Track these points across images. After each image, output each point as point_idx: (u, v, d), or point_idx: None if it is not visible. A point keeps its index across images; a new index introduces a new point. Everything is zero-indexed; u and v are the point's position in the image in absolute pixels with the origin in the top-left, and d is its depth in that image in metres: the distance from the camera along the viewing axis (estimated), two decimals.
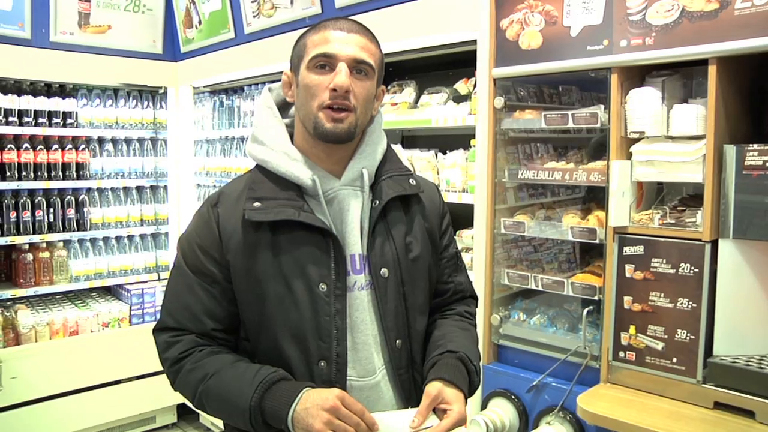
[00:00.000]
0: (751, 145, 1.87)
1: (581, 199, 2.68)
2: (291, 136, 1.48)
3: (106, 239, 4.59)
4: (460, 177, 2.87)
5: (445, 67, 3.29)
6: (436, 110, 2.95)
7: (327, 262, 1.37)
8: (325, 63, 1.36)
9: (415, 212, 1.51)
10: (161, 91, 4.75)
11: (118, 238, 4.64)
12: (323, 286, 1.36)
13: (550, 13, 2.31)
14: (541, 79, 2.57)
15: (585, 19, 2.22)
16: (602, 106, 2.23)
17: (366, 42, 1.41)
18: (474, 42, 2.57)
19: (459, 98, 3.03)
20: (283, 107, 1.53)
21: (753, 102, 2.08)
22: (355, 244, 1.40)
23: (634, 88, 2.15)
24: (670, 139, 2.07)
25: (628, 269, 2.10)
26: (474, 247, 2.59)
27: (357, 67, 1.38)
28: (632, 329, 2.10)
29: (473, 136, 2.67)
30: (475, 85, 2.91)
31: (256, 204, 1.37)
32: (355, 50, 1.38)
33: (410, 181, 1.51)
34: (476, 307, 1.70)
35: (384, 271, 1.41)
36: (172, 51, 4.69)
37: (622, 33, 2.11)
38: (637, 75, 2.19)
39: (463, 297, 1.66)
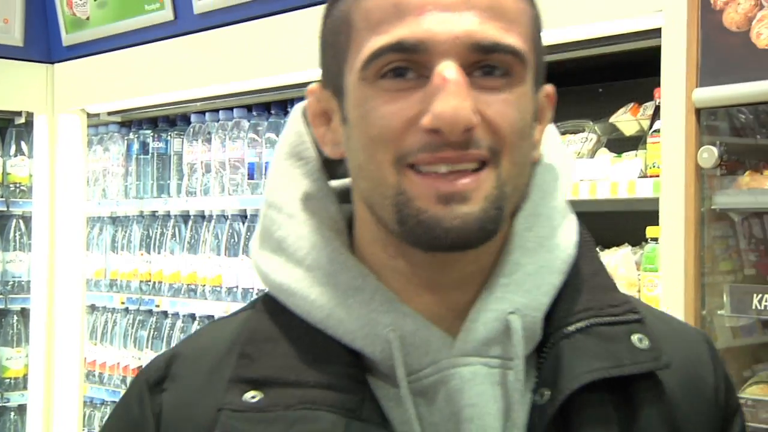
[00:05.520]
0: None
1: None
2: (350, 223, 1.33)
3: None
4: None
5: (591, 79, 3.32)
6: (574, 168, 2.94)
7: None
8: (406, 64, 1.16)
9: (646, 418, 1.27)
10: (19, 120, 4.83)
11: None
12: None
13: None
14: None
15: None
16: None
17: None
18: (655, 34, 2.59)
19: (620, 143, 3.04)
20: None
21: None
22: None
23: None
24: None
25: None
26: None
27: (483, 60, 1.16)
28: None
29: (652, 220, 2.70)
30: (654, 118, 2.93)
31: (251, 396, 1.19)
32: (472, 22, 1.15)
33: (634, 339, 1.26)
34: None
35: None
36: (43, 43, 4.79)
37: None
38: None
39: None
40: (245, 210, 4.22)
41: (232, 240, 4.24)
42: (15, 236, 4.87)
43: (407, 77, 1.15)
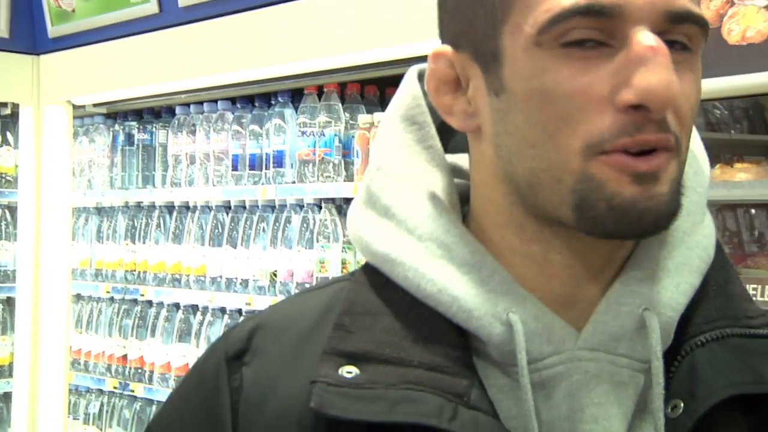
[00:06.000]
0: None
1: None
2: (464, 197, 1.19)
3: None
4: None
5: None
6: None
7: None
8: (593, 30, 0.99)
9: None
10: (5, 111, 4.88)
11: None
12: None
13: None
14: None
15: None
16: None
17: None
18: None
19: None
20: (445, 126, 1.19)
21: None
22: None
23: None
24: None
25: None
26: None
27: (672, 31, 1.00)
28: None
29: None
30: None
31: (347, 370, 1.07)
32: None
33: None
34: None
35: None
36: (29, 35, 4.80)
37: None
38: None
39: None
40: (229, 201, 4.26)
41: (216, 230, 4.27)
42: (1, 226, 4.89)
43: (594, 46, 0.98)
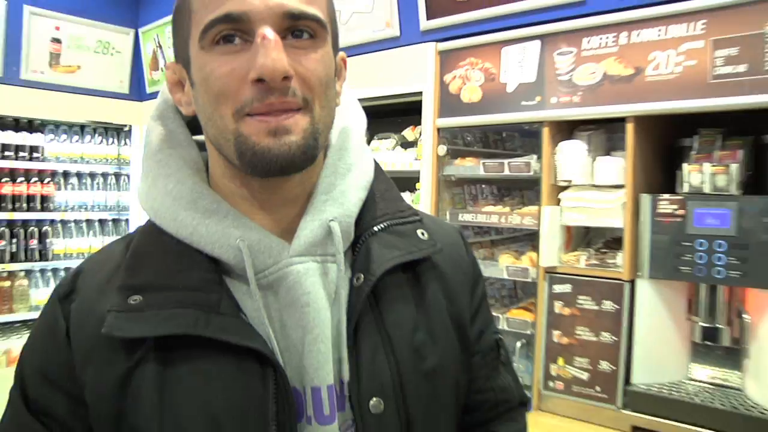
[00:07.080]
0: (662, 195, 1.98)
1: (519, 240, 2.76)
2: (207, 165, 0.92)
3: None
4: None
5: (395, 114, 3.33)
6: (384, 155, 3.02)
7: (262, 407, 0.78)
8: (232, 32, 0.78)
9: (429, 288, 0.93)
10: (126, 128, 4.74)
11: None
12: None
13: (488, 70, 2.42)
14: (484, 128, 2.67)
15: (520, 77, 2.32)
16: (535, 156, 2.33)
17: None
18: (421, 94, 2.65)
19: (406, 144, 3.07)
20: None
21: (670, 157, 2.20)
22: (320, 368, 0.81)
23: (563, 140, 2.25)
24: (594, 187, 2.17)
25: (557, 306, 2.18)
26: None
27: (293, 26, 0.79)
28: (561, 361, 2.16)
29: (418, 180, 2.72)
30: (421, 133, 2.93)
31: (133, 299, 0.80)
32: None
33: (418, 233, 0.92)
34: (525, 415, 1.07)
35: (376, 403, 0.83)
36: (138, 91, 4.71)
37: (553, 91, 2.23)
38: (567, 129, 2.30)
39: (510, 408, 1.04)
40: None
41: None
42: (123, 184, 4.73)
43: (235, 43, 0.78)
